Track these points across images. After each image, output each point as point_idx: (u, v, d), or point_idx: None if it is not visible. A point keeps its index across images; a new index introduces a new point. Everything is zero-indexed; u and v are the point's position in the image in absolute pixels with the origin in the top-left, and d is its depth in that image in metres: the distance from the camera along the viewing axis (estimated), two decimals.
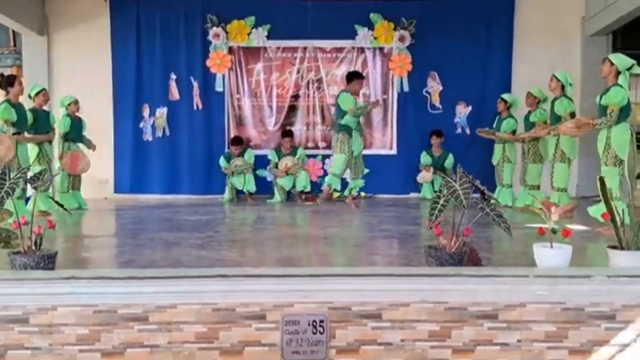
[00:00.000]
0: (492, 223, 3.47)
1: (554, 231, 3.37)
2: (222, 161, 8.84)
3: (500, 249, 4.77)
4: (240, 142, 8.85)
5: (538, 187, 7.23)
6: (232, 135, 9.10)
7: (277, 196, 8.58)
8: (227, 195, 8.81)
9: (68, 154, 7.62)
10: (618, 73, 5.40)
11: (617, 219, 3.41)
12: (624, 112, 5.38)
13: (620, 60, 5.44)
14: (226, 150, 9.02)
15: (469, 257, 3.51)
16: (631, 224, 3.40)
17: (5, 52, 9.59)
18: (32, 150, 6.91)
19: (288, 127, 9.11)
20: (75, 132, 7.72)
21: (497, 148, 7.99)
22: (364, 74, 8.84)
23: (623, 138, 5.28)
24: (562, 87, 6.48)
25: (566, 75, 6.49)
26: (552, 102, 6.62)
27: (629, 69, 5.36)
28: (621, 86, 5.33)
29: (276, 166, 8.70)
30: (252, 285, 3.18)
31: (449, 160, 8.74)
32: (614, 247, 3.45)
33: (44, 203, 6.36)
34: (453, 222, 3.45)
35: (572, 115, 6.45)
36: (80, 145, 7.86)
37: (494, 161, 8.04)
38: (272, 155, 8.82)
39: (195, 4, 9.09)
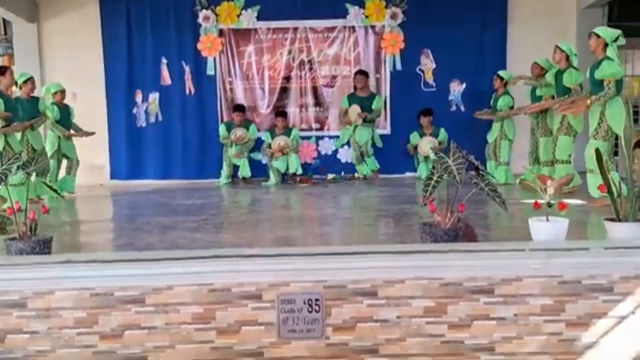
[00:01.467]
0: (488, 199, 3.47)
1: (549, 205, 3.37)
2: (221, 129, 8.73)
3: (496, 225, 4.78)
4: (243, 109, 8.77)
5: (552, 163, 6.73)
6: (225, 120, 9.04)
7: (272, 179, 8.55)
8: (223, 176, 8.71)
9: None
10: (606, 45, 5.37)
11: (614, 190, 3.40)
12: (618, 85, 5.35)
13: (606, 32, 5.42)
14: (225, 120, 8.98)
15: (465, 233, 3.51)
16: (629, 195, 3.40)
17: None
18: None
19: (281, 109, 9.06)
20: (63, 120, 7.62)
21: (495, 125, 7.92)
22: (355, 54, 9.04)
23: (618, 112, 5.25)
24: (567, 58, 6.34)
25: (570, 45, 6.36)
26: (558, 74, 6.44)
27: (615, 40, 5.34)
28: (612, 59, 5.29)
29: (269, 147, 8.68)
30: (247, 266, 3.18)
31: (442, 135, 8.68)
32: (611, 220, 3.44)
33: (39, 188, 6.33)
34: (447, 198, 3.44)
35: (581, 86, 6.32)
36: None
37: (490, 138, 7.98)
38: (265, 136, 8.78)
39: None
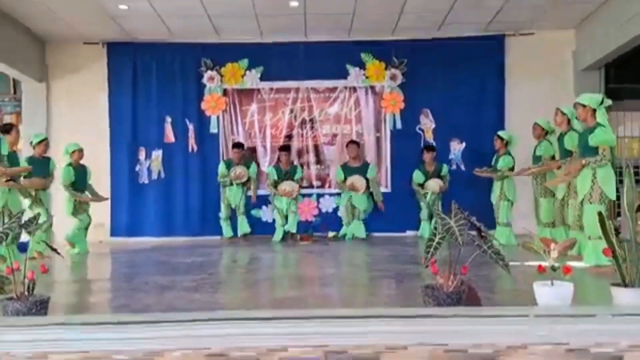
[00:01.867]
0: (491, 261, 3.42)
1: (553, 268, 3.32)
2: (221, 167, 8.67)
3: (499, 288, 4.71)
4: (241, 146, 8.79)
5: (553, 224, 6.72)
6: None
7: (278, 232, 8.53)
8: (224, 223, 8.68)
9: None
10: (594, 111, 5.44)
11: (618, 254, 3.36)
12: (612, 151, 5.40)
13: (590, 99, 5.50)
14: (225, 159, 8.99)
15: (468, 297, 3.45)
16: (634, 260, 3.35)
17: (6, 99, 9.67)
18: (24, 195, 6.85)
19: (285, 143, 9.08)
20: (79, 182, 7.57)
21: (496, 185, 7.91)
22: (356, 113, 9.25)
23: (610, 176, 5.32)
24: (568, 121, 6.32)
25: (571, 109, 6.28)
26: (561, 137, 6.45)
27: (601, 103, 5.42)
28: (604, 125, 5.35)
29: (274, 185, 8.61)
30: (245, 329, 3.10)
31: (445, 170, 8.68)
32: (617, 285, 3.38)
33: (38, 247, 6.29)
34: (450, 260, 3.40)
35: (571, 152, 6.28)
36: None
37: (493, 199, 7.96)
38: (270, 171, 8.78)
39: (190, 48, 9.20)
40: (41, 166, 7.08)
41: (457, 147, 9.23)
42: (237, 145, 8.77)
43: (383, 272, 5.70)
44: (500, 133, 8.02)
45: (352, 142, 8.86)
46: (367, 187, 8.61)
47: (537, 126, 7.18)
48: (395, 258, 6.68)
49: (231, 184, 8.59)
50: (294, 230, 8.55)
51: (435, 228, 3.57)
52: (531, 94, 8.97)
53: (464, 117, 9.06)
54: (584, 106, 5.46)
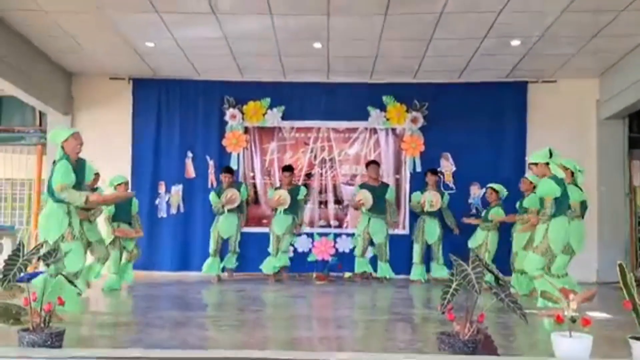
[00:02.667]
0: (507, 309, 3.38)
1: (573, 320, 3.26)
2: (212, 197, 8.39)
3: (516, 337, 4.62)
4: (231, 171, 8.61)
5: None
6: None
7: (269, 263, 8.37)
8: (209, 260, 8.32)
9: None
10: (547, 165, 5.59)
11: (639, 308, 3.29)
12: (560, 203, 5.45)
13: (537, 157, 5.72)
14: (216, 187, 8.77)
15: (484, 345, 3.39)
16: None
17: (31, 130, 9.89)
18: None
19: (288, 164, 9.00)
20: (122, 213, 7.33)
21: (480, 235, 8.04)
22: (376, 154, 9.29)
23: (559, 233, 5.47)
24: (572, 174, 6.28)
25: (574, 163, 6.32)
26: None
27: (550, 156, 5.60)
28: (552, 177, 5.48)
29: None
30: None
31: (446, 200, 8.60)
32: (636, 338, 3.30)
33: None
34: (466, 307, 3.36)
35: (582, 203, 6.33)
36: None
37: (472, 244, 8.01)
38: (270, 192, 8.75)
39: (213, 86, 9.36)
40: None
41: (476, 192, 9.18)
42: (227, 170, 8.55)
43: (399, 316, 5.63)
44: (493, 186, 8.09)
45: (373, 162, 8.77)
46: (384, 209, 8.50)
47: (525, 180, 7.60)
48: (411, 302, 6.60)
49: (224, 212, 8.29)
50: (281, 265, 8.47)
51: (452, 274, 3.54)
52: (553, 142, 8.79)
53: (484, 162, 9.04)
54: (536, 164, 5.67)
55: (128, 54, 8.29)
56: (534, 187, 6.99)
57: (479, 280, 3.35)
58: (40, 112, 9.62)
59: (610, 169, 8.97)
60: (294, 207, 8.52)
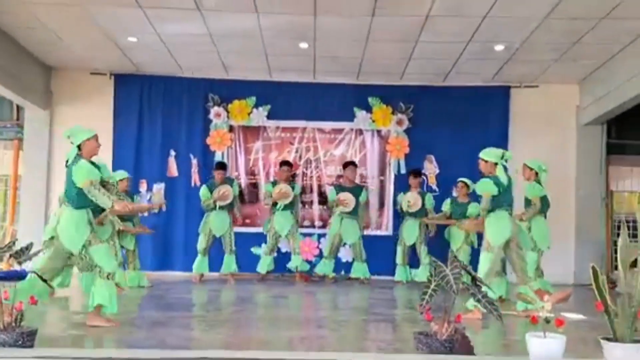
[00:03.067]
0: (484, 309, 3.42)
1: (547, 320, 3.31)
2: (203, 191, 8.09)
3: (492, 337, 4.66)
4: (224, 167, 8.51)
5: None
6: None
7: (264, 262, 8.32)
8: (198, 260, 8.13)
9: None
10: (495, 165, 5.70)
11: (610, 309, 3.34)
12: (496, 200, 5.56)
13: (490, 154, 5.80)
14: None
15: (461, 345, 3.43)
16: (627, 315, 3.33)
17: (8, 125, 9.66)
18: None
19: (286, 159, 8.97)
20: None
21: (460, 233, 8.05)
22: (361, 155, 9.29)
23: (496, 227, 5.53)
24: (536, 174, 6.49)
25: (539, 163, 6.54)
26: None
27: (502, 157, 5.70)
28: (494, 177, 5.61)
29: (271, 196, 8.33)
30: None
31: (429, 201, 8.60)
32: (608, 339, 3.36)
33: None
34: (444, 308, 3.39)
35: (542, 199, 6.43)
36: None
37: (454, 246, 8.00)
38: (267, 187, 8.59)
39: (198, 83, 9.32)
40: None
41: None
42: (221, 167, 8.41)
43: (379, 316, 5.66)
44: (464, 180, 8.07)
45: (351, 163, 8.71)
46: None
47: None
48: (392, 302, 6.64)
49: (214, 208, 8.09)
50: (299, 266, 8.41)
51: (431, 275, 3.58)
52: (534, 146, 9.04)
53: (467, 165, 9.07)
54: (486, 161, 5.77)
55: (110, 48, 8.18)
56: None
57: (457, 281, 3.39)
58: (17, 106, 9.43)
59: (589, 173, 9.09)
60: (294, 203, 8.41)
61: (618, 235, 5.48)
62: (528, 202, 6.50)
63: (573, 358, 3.43)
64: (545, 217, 6.54)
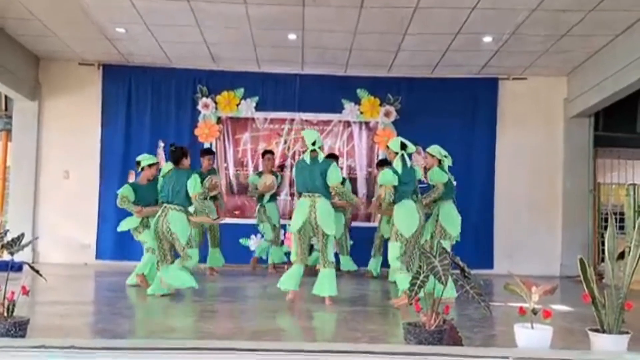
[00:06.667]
0: (472, 300, 3.45)
1: (534, 312, 3.34)
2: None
3: (480, 328, 4.70)
4: (212, 152, 8.36)
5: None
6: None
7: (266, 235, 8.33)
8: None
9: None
10: (396, 154, 5.85)
11: (598, 300, 3.39)
12: (399, 190, 5.67)
13: (392, 144, 5.97)
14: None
15: (449, 336, 3.46)
16: (613, 306, 3.38)
17: None
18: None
19: (268, 148, 8.92)
20: (149, 197, 6.82)
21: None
22: (349, 147, 9.29)
23: (403, 215, 5.65)
24: (439, 161, 6.42)
25: (438, 149, 6.46)
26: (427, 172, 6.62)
27: (402, 148, 5.84)
28: (391, 168, 5.75)
29: (257, 188, 8.22)
30: (228, 359, 3.09)
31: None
32: (595, 330, 3.41)
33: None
34: (432, 299, 3.42)
35: (446, 184, 6.31)
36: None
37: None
38: (252, 178, 8.49)
39: (186, 74, 9.27)
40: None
41: None
42: (208, 152, 8.23)
43: (367, 307, 5.69)
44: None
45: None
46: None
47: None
48: (380, 293, 6.66)
49: (205, 199, 7.35)
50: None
51: (420, 266, 3.60)
52: (522, 137, 9.13)
53: (455, 156, 9.07)
54: (388, 148, 6.07)
55: (98, 39, 8.13)
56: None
57: (445, 273, 3.41)
58: (6, 98, 9.36)
59: (576, 165, 9.16)
60: (278, 193, 8.45)
61: (605, 227, 5.54)
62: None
63: (560, 349, 3.47)
64: (454, 202, 6.43)
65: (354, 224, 8.90)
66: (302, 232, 5.73)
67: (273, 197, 8.39)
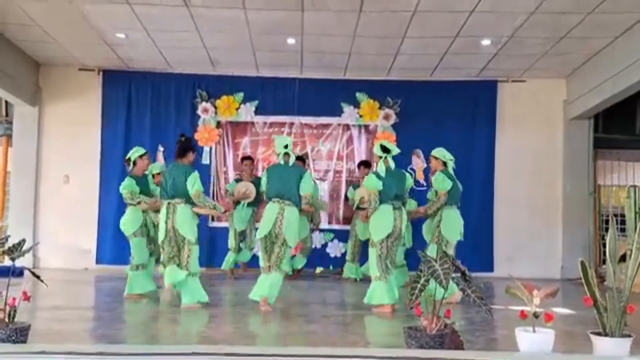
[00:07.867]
0: (473, 304, 3.44)
1: (536, 315, 3.33)
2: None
3: (482, 332, 4.70)
4: (251, 158, 8.47)
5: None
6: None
7: (231, 242, 8.17)
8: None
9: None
10: (380, 158, 5.86)
11: (600, 303, 3.37)
12: (382, 194, 5.63)
13: (376, 148, 5.98)
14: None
15: (451, 340, 3.44)
16: (615, 309, 3.36)
17: None
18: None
19: (248, 154, 8.92)
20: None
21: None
22: (349, 150, 9.31)
23: (378, 220, 5.61)
24: (444, 163, 6.36)
25: (443, 152, 6.39)
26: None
27: (384, 151, 5.84)
28: (374, 174, 5.73)
29: (232, 195, 8.06)
30: None
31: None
32: (597, 333, 3.39)
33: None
34: (434, 303, 3.41)
35: (450, 191, 6.21)
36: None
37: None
38: (229, 185, 8.47)
39: (186, 79, 9.28)
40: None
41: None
42: (247, 158, 8.44)
43: (369, 311, 5.67)
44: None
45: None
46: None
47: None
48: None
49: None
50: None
51: (421, 270, 3.59)
52: (521, 140, 9.13)
53: (455, 159, 9.10)
54: (379, 156, 5.96)
55: (98, 44, 8.14)
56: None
57: (446, 276, 3.40)
58: (6, 103, 9.37)
59: (576, 167, 9.16)
60: (257, 200, 7.99)
61: (606, 229, 5.53)
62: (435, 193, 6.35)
63: (562, 352, 3.46)
64: (458, 207, 6.36)
65: (343, 227, 8.99)
66: (267, 239, 5.59)
67: (250, 204, 8.07)
